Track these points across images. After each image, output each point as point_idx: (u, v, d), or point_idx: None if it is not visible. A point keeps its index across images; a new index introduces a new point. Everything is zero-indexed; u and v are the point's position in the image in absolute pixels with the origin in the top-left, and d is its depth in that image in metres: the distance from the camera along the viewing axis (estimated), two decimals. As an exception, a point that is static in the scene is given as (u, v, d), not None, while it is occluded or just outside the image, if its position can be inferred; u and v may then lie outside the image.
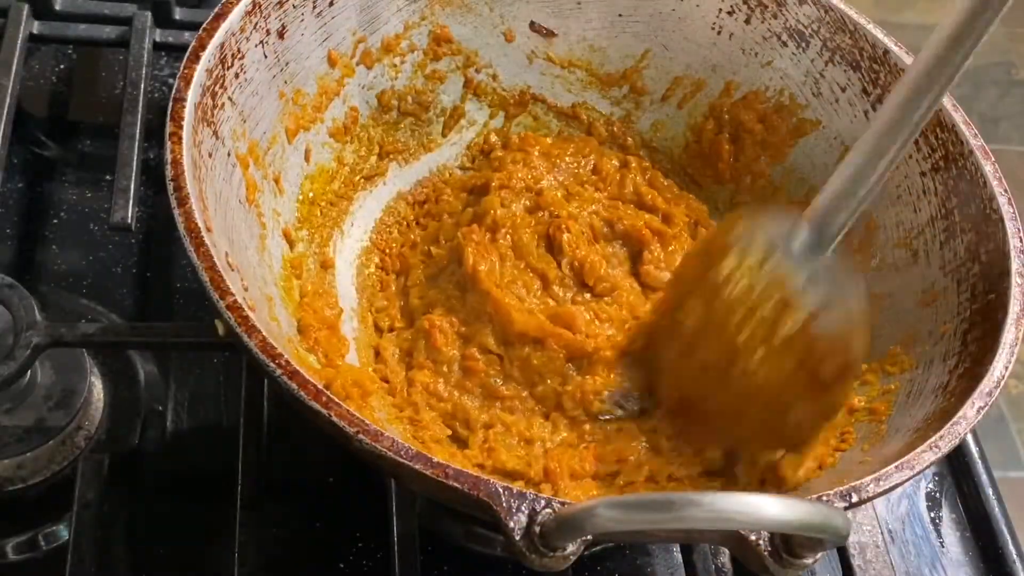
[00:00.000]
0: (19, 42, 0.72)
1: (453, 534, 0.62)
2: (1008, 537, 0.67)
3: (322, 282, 0.63)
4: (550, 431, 0.58)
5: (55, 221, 0.72)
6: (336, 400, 0.44)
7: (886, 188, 0.64)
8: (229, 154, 0.56)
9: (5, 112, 0.67)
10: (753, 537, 0.43)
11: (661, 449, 0.57)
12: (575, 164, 0.70)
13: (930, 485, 0.70)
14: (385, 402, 0.59)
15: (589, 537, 0.41)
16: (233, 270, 0.50)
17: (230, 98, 0.56)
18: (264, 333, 0.45)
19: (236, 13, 0.56)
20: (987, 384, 0.50)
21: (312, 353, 0.58)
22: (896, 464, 0.47)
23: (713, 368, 0.54)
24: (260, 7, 0.58)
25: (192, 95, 0.52)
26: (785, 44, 0.68)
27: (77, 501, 0.55)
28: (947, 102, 0.62)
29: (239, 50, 0.57)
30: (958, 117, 0.61)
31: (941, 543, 0.67)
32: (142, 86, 0.70)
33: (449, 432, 0.59)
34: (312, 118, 0.64)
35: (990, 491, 0.68)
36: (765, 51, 0.69)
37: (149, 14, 0.75)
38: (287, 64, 0.61)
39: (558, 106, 0.73)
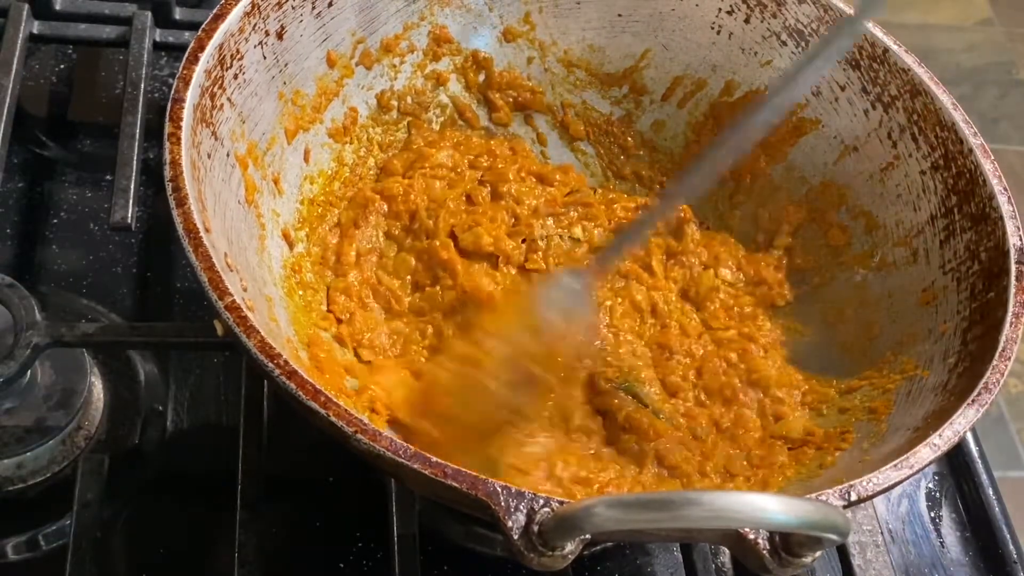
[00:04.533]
0: (19, 42, 0.72)
1: (453, 534, 0.62)
2: (1008, 537, 0.67)
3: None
4: None
5: (55, 221, 0.72)
6: (334, 399, 0.44)
7: (885, 187, 0.65)
8: (228, 155, 0.56)
9: (5, 112, 0.67)
10: (752, 536, 0.43)
11: None
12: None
13: (930, 485, 0.70)
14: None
15: (588, 536, 0.41)
16: (232, 271, 0.50)
17: (229, 99, 0.56)
18: (263, 333, 0.45)
19: (235, 14, 0.56)
20: (987, 383, 0.50)
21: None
22: (895, 463, 0.47)
23: None
24: (259, 8, 0.58)
25: (191, 96, 0.52)
26: (784, 43, 0.68)
27: (77, 501, 0.55)
28: (947, 101, 0.62)
29: (238, 51, 0.57)
30: (958, 116, 0.61)
31: (941, 543, 0.67)
32: (142, 86, 0.70)
33: None
34: (311, 119, 0.64)
35: (990, 491, 0.68)
36: (765, 50, 0.69)
37: (149, 14, 0.75)
38: (286, 65, 0.61)
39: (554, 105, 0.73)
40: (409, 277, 0.64)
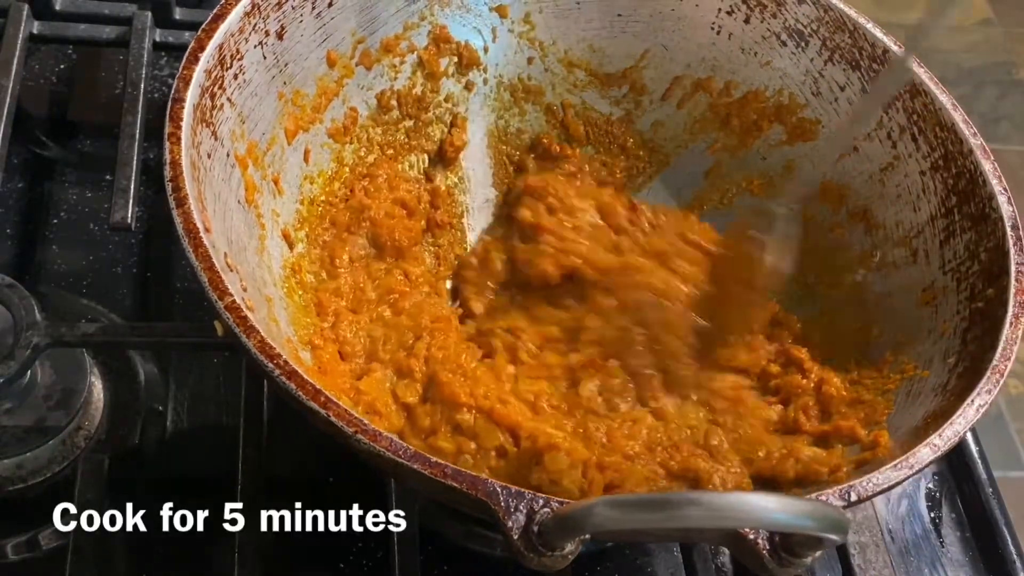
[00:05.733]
0: (19, 42, 0.72)
1: (453, 534, 0.62)
2: (1008, 537, 0.67)
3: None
4: None
5: (55, 221, 0.72)
6: (334, 400, 0.44)
7: (885, 187, 0.65)
8: (228, 155, 0.56)
9: (5, 112, 0.67)
10: (752, 536, 0.43)
11: None
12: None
13: (930, 485, 0.70)
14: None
15: (588, 536, 0.41)
16: (232, 271, 0.50)
17: (229, 99, 0.56)
18: (263, 333, 0.45)
19: (235, 14, 0.56)
20: (986, 383, 0.50)
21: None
22: (895, 463, 0.47)
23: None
24: (259, 8, 0.58)
25: (191, 96, 0.52)
26: (784, 44, 0.68)
27: (77, 501, 0.55)
28: (947, 101, 0.62)
29: (238, 51, 0.57)
30: (957, 116, 0.61)
31: (941, 543, 0.67)
32: (142, 86, 0.70)
33: None
34: (311, 119, 0.64)
35: (990, 491, 0.68)
36: (764, 51, 0.69)
37: (149, 14, 0.75)
38: (286, 65, 0.61)
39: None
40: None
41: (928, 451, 0.48)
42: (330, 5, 0.63)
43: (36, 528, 0.58)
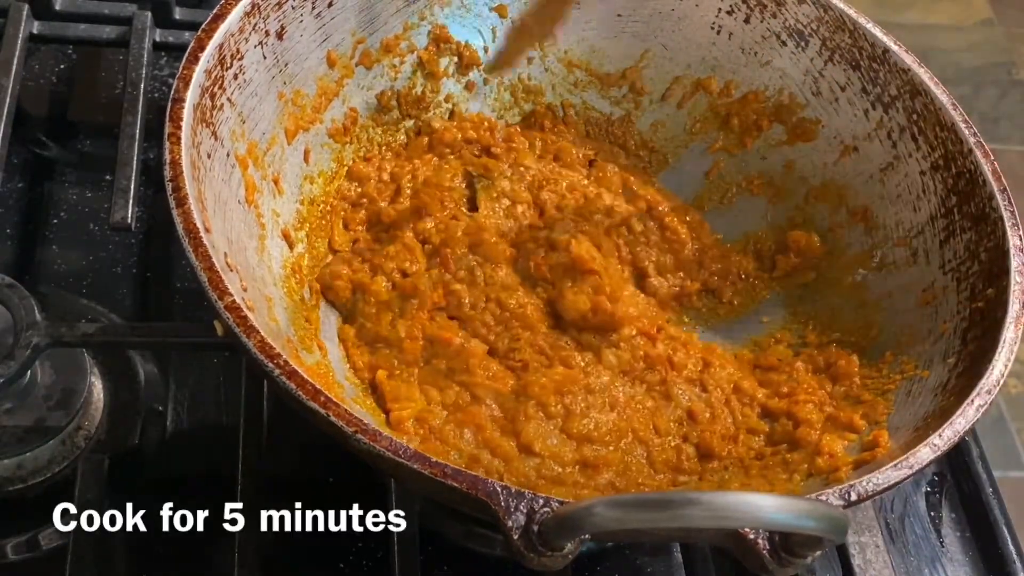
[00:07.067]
0: (19, 42, 0.72)
1: (453, 534, 0.62)
2: (1008, 537, 0.67)
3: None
4: None
5: (55, 221, 0.72)
6: (335, 400, 0.44)
7: (885, 187, 0.65)
8: (228, 155, 0.56)
9: (5, 112, 0.67)
10: (752, 536, 0.43)
11: None
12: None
13: (930, 485, 0.70)
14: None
15: (587, 536, 0.41)
16: (232, 271, 0.50)
17: (229, 99, 0.56)
18: (263, 333, 0.45)
19: (235, 14, 0.56)
20: (986, 383, 0.50)
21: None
22: (895, 463, 0.47)
23: None
24: (259, 8, 0.58)
25: (191, 96, 0.52)
26: (784, 43, 0.68)
27: (77, 501, 0.55)
28: (947, 101, 0.62)
29: (238, 51, 0.57)
30: (957, 116, 0.61)
31: (941, 543, 0.67)
32: (142, 86, 0.70)
33: None
34: (311, 119, 0.64)
35: (990, 491, 0.68)
36: (764, 50, 0.69)
37: (149, 14, 0.75)
38: (286, 65, 0.61)
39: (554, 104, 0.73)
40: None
41: (928, 451, 0.48)
42: (330, 5, 0.63)
43: (36, 528, 0.58)
